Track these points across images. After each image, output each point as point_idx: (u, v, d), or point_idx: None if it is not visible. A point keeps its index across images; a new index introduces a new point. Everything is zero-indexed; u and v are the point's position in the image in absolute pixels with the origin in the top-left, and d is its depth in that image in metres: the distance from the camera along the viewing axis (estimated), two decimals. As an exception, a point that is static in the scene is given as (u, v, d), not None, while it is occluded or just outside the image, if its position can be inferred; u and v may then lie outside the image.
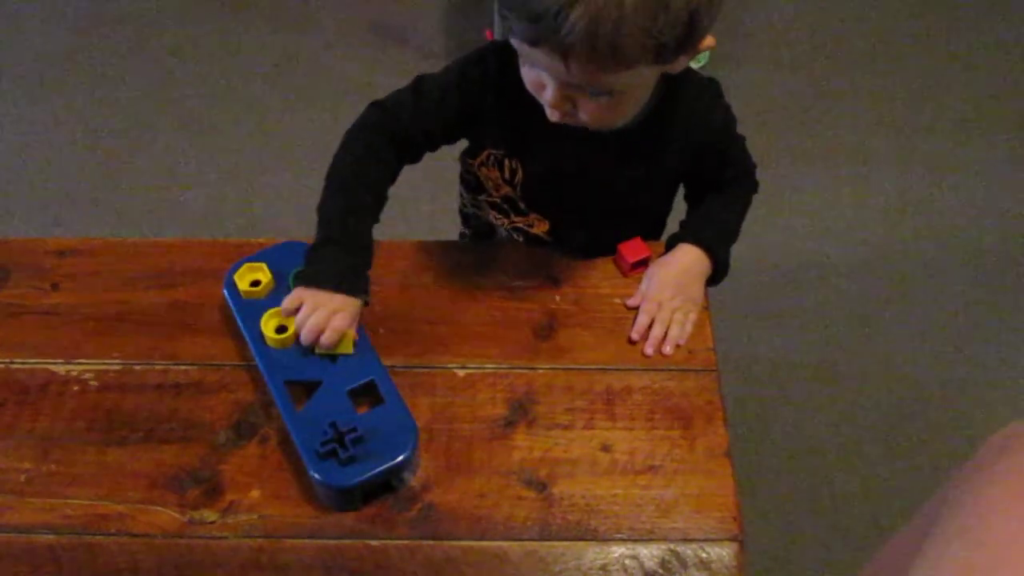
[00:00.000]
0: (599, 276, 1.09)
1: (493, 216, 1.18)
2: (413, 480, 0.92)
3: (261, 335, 0.97)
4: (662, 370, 1.01)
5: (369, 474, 0.87)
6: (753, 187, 1.14)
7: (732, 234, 1.10)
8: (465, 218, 1.31)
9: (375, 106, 1.05)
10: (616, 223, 1.11)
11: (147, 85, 2.44)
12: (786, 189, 2.05)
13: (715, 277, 1.08)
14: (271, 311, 0.98)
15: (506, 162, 1.07)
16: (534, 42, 0.80)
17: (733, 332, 1.85)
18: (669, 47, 0.79)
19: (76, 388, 1.00)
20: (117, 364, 1.02)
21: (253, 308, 1.00)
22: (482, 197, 1.17)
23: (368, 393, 0.95)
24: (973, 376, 1.89)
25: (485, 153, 1.09)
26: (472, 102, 1.02)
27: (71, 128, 2.33)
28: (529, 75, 0.89)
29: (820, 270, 2.03)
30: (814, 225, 2.08)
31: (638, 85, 0.90)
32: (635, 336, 1.03)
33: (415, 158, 1.08)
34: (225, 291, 1.02)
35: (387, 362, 0.98)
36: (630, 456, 0.95)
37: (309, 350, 0.96)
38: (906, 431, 1.80)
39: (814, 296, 2.00)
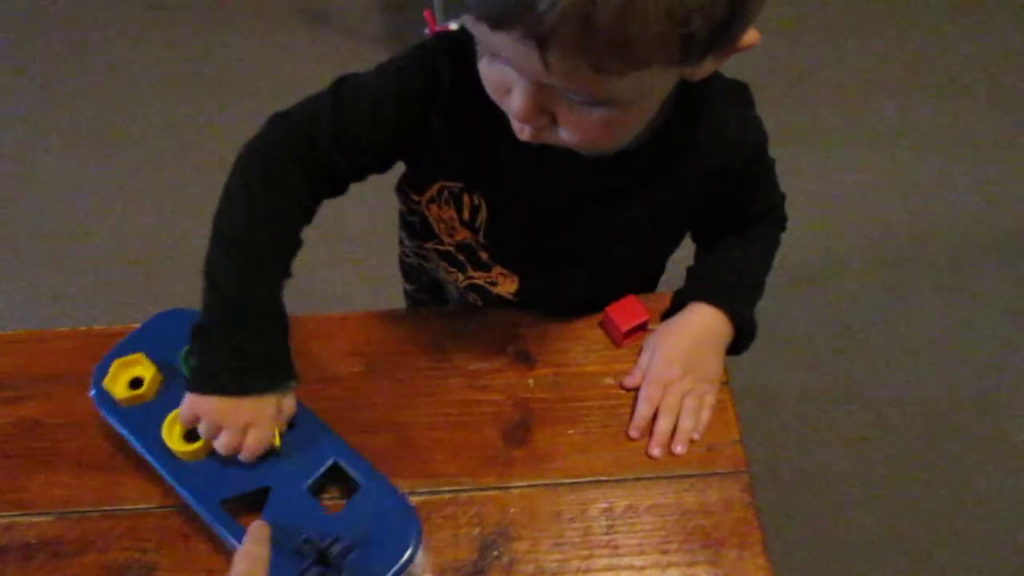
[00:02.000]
0: (583, 348, 0.85)
1: (443, 269, 0.92)
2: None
3: (166, 449, 0.73)
4: (676, 477, 0.77)
5: None
6: (782, 225, 0.89)
7: (758, 287, 0.86)
8: (407, 271, 1.04)
9: (279, 119, 0.76)
10: (606, 277, 0.86)
11: (35, 97, 2.12)
12: (783, 173, 1.79)
13: (738, 345, 0.84)
14: (172, 415, 0.73)
15: (465, 198, 0.80)
16: (497, 22, 0.52)
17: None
18: (700, 40, 0.52)
19: None
20: (-57, 520, 0.75)
21: (145, 415, 0.74)
22: (429, 245, 0.90)
23: (336, 481, 0.74)
24: (1004, 385, 1.66)
25: (436, 187, 0.81)
26: (415, 118, 0.74)
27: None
28: (489, 73, 0.62)
29: (825, 272, 1.79)
30: (816, 217, 1.85)
31: (648, 95, 0.62)
32: (635, 432, 0.79)
33: (336, 190, 0.79)
34: (98, 405, 0.76)
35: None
36: (642, 608, 0.70)
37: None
38: (933, 453, 1.57)
39: (818, 303, 1.76)
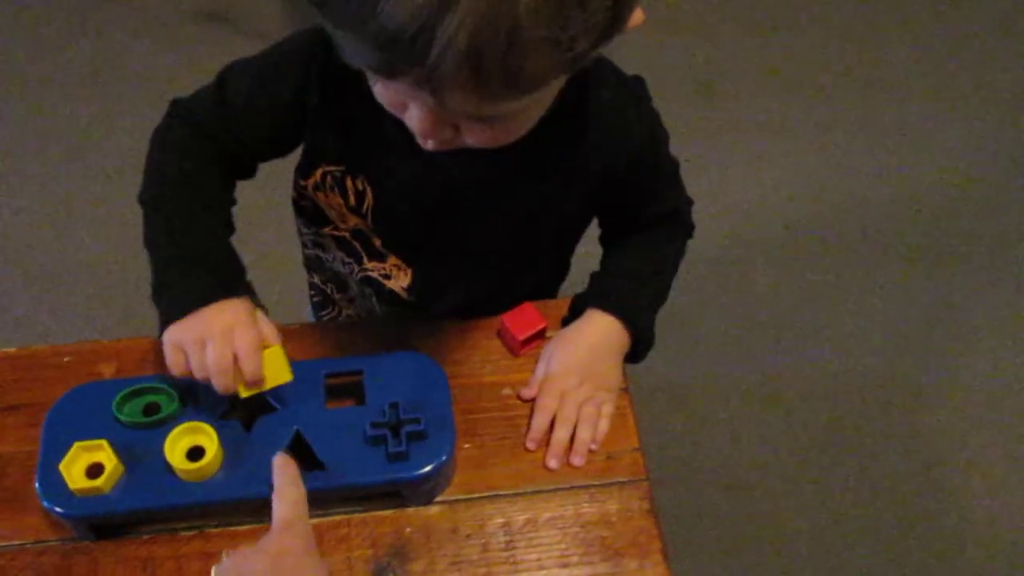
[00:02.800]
0: (480, 357, 0.83)
1: (340, 260, 0.89)
2: None
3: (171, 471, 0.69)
4: (575, 488, 0.76)
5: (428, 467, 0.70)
6: (688, 231, 0.88)
7: (659, 294, 0.85)
8: (310, 263, 1.00)
9: (175, 105, 0.79)
10: (504, 271, 0.84)
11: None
12: (690, 168, 1.80)
13: (636, 352, 0.83)
14: (177, 429, 0.69)
15: (348, 182, 0.78)
16: (389, 74, 0.52)
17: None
18: (586, 50, 0.52)
19: None
20: None
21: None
22: (327, 231, 0.87)
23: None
24: (920, 371, 1.70)
25: (319, 172, 0.79)
26: (289, 103, 0.74)
27: None
28: (385, 94, 0.61)
29: (733, 263, 1.80)
30: (724, 209, 1.86)
31: (544, 99, 0.62)
32: (531, 444, 0.77)
33: (243, 172, 0.80)
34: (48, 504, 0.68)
35: None
36: (543, 625, 0.69)
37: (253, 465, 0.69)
38: (850, 450, 1.60)
39: (734, 296, 1.77)
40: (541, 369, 0.80)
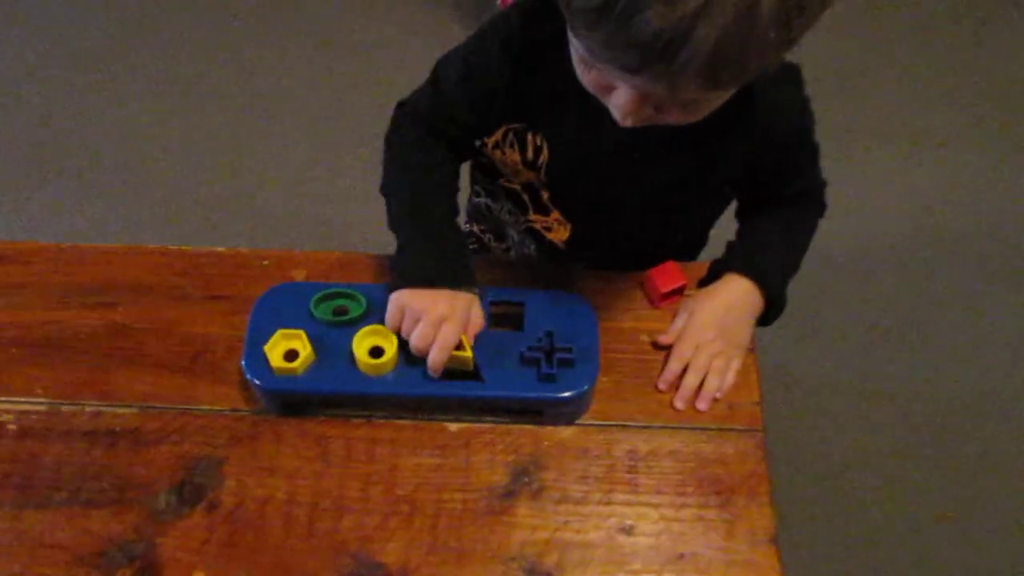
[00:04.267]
0: (623, 304, 0.91)
1: (507, 211, 1.00)
2: (390, 565, 0.76)
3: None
4: (697, 429, 0.84)
5: (572, 392, 0.79)
6: (820, 210, 0.95)
7: (792, 265, 0.91)
8: (474, 212, 1.12)
9: (400, 107, 0.93)
10: (653, 231, 0.93)
11: (112, 35, 2.24)
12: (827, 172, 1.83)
13: (767, 316, 0.90)
14: (364, 330, 0.81)
15: (529, 137, 0.88)
16: (633, 71, 0.60)
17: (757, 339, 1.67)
18: (795, 43, 0.60)
19: (-9, 432, 0.83)
20: (42, 403, 0.84)
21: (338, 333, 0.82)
22: (501, 181, 0.98)
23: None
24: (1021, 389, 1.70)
25: (502, 130, 0.89)
26: (493, 80, 0.84)
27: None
28: (591, 77, 0.69)
29: (861, 266, 1.83)
30: (855, 212, 1.89)
31: None
32: (663, 386, 0.85)
33: (465, 151, 0.94)
34: (251, 377, 0.81)
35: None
36: (656, 540, 0.78)
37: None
38: (953, 452, 1.62)
39: (854, 297, 1.80)
40: (681, 321, 0.88)
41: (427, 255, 0.82)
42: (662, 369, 0.86)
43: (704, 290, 0.90)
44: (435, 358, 0.78)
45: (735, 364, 0.86)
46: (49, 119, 2.09)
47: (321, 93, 2.11)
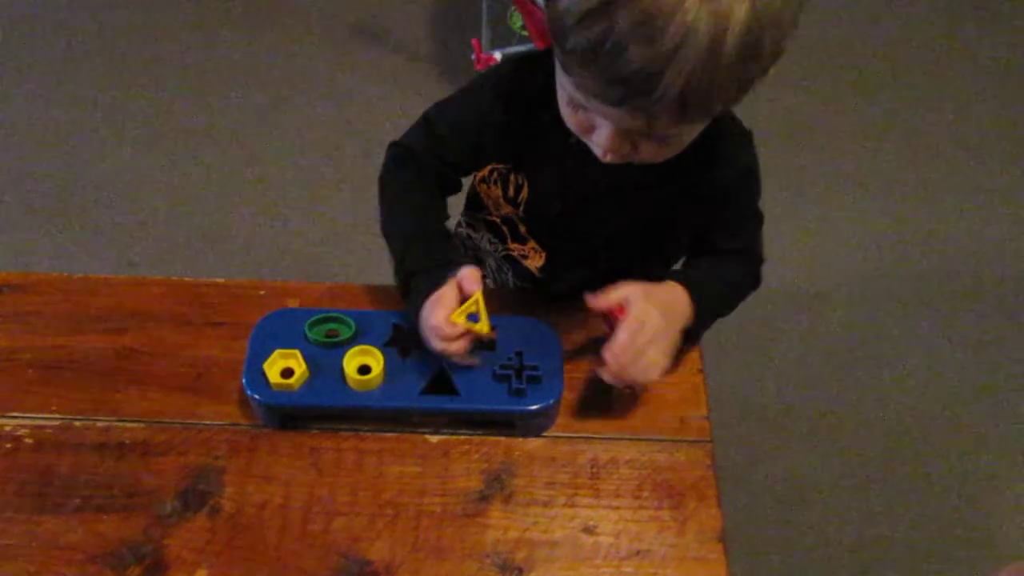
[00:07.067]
0: (585, 331, 1.01)
1: (487, 240, 1.10)
2: (376, 562, 0.84)
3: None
4: (652, 440, 0.93)
5: (539, 405, 0.89)
6: (755, 283, 1.01)
7: (723, 301, 0.98)
8: (456, 241, 1.21)
9: (394, 146, 1.01)
10: (619, 262, 1.00)
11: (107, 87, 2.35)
12: (780, 212, 1.97)
13: (687, 334, 0.93)
14: (353, 350, 0.90)
15: (511, 178, 0.98)
16: (617, 103, 0.70)
17: (717, 368, 1.78)
18: (754, 85, 0.71)
19: (9, 446, 0.91)
20: (56, 419, 0.92)
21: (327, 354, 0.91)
22: (481, 215, 1.08)
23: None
24: (976, 417, 1.83)
25: (488, 168, 1.00)
26: (484, 124, 0.95)
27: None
28: (575, 118, 0.79)
29: (813, 301, 1.96)
30: (809, 252, 2.01)
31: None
32: (608, 355, 0.84)
33: (453, 188, 1.04)
34: (251, 392, 0.89)
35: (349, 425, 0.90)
36: (615, 539, 0.87)
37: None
38: (902, 477, 1.73)
39: (807, 329, 1.93)
40: (626, 298, 0.86)
41: (419, 289, 0.90)
42: (608, 343, 0.85)
43: (648, 284, 0.89)
44: (448, 352, 0.87)
45: (664, 364, 0.87)
46: (43, 159, 2.18)
47: (307, 138, 2.22)
